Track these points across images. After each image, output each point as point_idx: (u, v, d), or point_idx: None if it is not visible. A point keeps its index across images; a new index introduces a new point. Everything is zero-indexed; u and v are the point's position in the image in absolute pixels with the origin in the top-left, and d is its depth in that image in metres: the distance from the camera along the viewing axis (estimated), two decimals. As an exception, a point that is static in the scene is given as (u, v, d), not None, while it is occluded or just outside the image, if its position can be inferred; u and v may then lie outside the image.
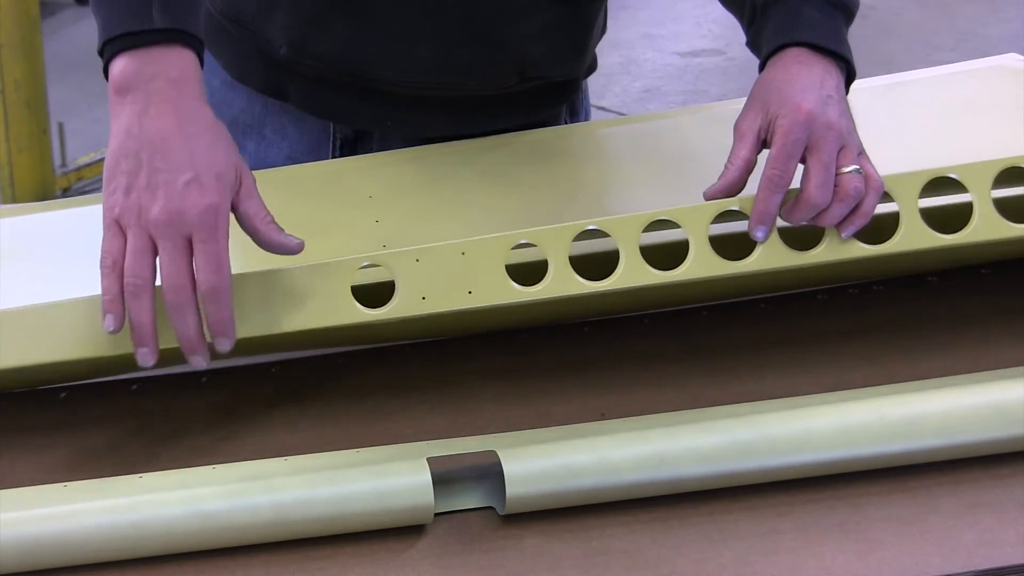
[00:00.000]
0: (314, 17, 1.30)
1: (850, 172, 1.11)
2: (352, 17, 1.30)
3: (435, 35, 1.30)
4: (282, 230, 1.05)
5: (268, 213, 1.05)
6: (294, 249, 1.05)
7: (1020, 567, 1.00)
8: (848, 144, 1.12)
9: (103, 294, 1.01)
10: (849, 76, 1.18)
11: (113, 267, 1.00)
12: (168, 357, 1.14)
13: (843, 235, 1.12)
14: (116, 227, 1.01)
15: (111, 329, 1.00)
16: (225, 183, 1.02)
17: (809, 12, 1.17)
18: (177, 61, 1.03)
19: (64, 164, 3.64)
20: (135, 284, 1.00)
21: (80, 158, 3.71)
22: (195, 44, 1.05)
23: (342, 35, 1.30)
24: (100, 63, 1.06)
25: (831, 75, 1.15)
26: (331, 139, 1.39)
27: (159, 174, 1.00)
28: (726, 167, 1.14)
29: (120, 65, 1.03)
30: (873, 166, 1.13)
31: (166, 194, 1.00)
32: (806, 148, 1.11)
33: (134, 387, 1.18)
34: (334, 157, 1.39)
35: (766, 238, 1.11)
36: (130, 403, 1.16)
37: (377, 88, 1.34)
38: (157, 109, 1.02)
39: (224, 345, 1.02)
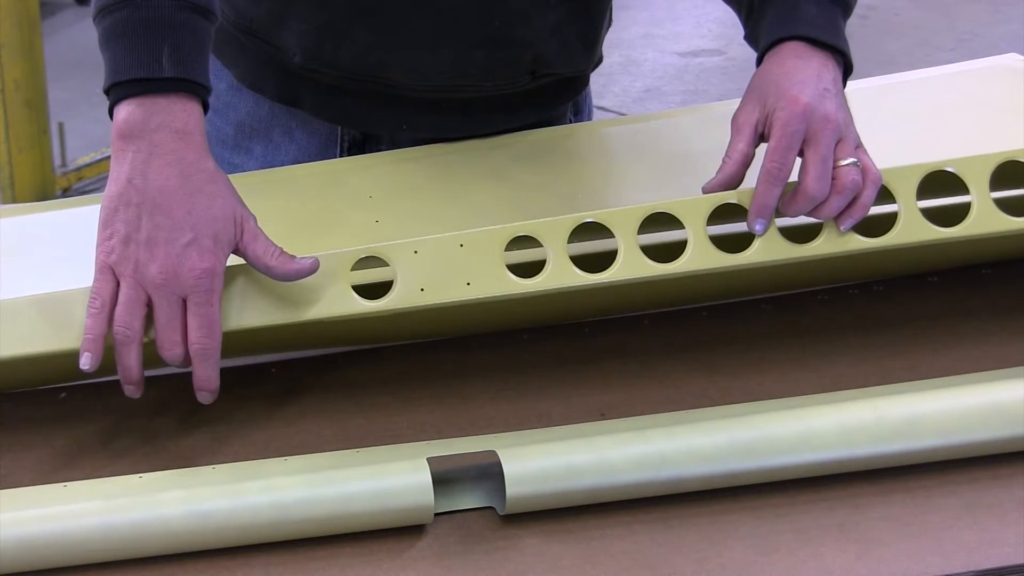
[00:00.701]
0: (329, 24, 1.29)
1: (848, 165, 1.11)
2: (368, 23, 1.29)
3: (451, 38, 1.30)
4: (293, 257, 1.06)
5: (276, 247, 1.06)
6: (311, 269, 1.06)
7: (1020, 567, 1.00)
8: (846, 137, 1.12)
9: (86, 332, 1.03)
10: (846, 70, 1.18)
11: (101, 309, 1.03)
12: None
13: (841, 228, 1.12)
14: (110, 273, 1.03)
15: (86, 368, 1.03)
16: (222, 242, 1.04)
17: (806, 6, 1.17)
18: (182, 112, 1.04)
19: (64, 164, 3.64)
20: (126, 334, 1.02)
21: (80, 158, 3.71)
22: (201, 92, 1.06)
23: (358, 41, 1.30)
24: (101, 63, 1.07)
25: (828, 68, 1.15)
26: (339, 141, 1.39)
27: (159, 231, 1.02)
28: (724, 161, 1.14)
29: (126, 111, 1.04)
30: (871, 159, 1.13)
31: (165, 253, 1.02)
32: (804, 141, 1.11)
33: (134, 387, 1.18)
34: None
35: (765, 231, 1.11)
36: (129, 403, 1.15)
37: (393, 93, 1.33)
38: (160, 161, 1.03)
39: (205, 399, 1.06)
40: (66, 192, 3.61)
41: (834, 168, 1.11)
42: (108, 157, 4.01)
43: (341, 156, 1.39)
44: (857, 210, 1.12)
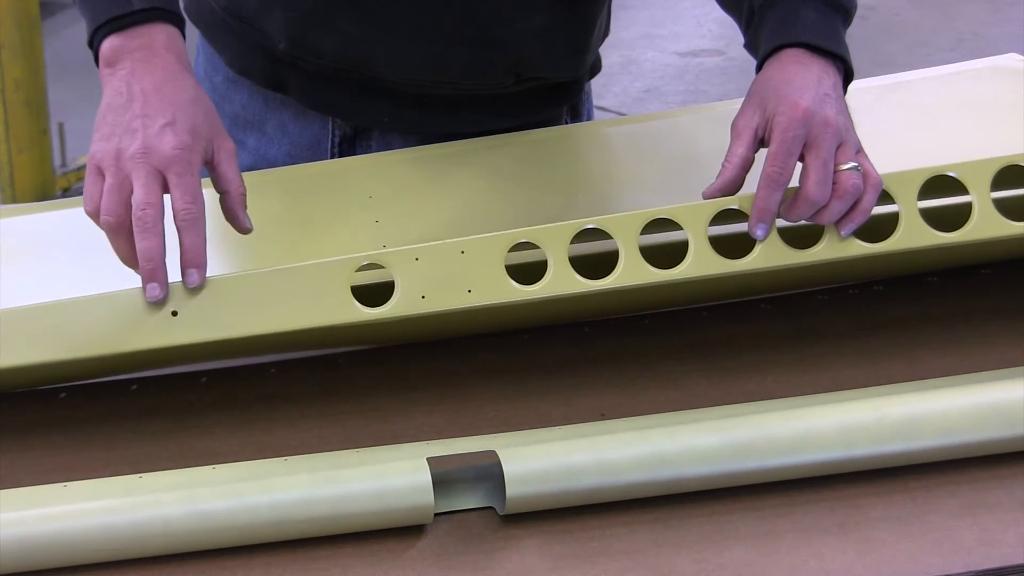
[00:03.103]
0: (312, 12, 1.31)
1: (848, 169, 1.11)
2: (349, 13, 1.30)
3: (432, 33, 1.30)
4: (245, 208, 1.10)
5: (243, 184, 1.10)
6: (244, 230, 1.10)
7: (1020, 567, 1.00)
8: (846, 141, 1.12)
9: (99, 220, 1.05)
10: (847, 76, 1.18)
11: (92, 212, 1.05)
12: (168, 357, 1.14)
13: (842, 233, 1.12)
14: (96, 172, 1.06)
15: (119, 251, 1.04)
16: (200, 135, 1.07)
17: (806, 13, 1.17)
18: (160, 34, 1.12)
19: (64, 164, 3.64)
20: (108, 223, 1.04)
21: (80, 158, 3.71)
22: (175, 20, 1.13)
23: (340, 31, 1.31)
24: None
25: (828, 74, 1.15)
26: (330, 135, 1.39)
27: (138, 119, 1.06)
28: (724, 166, 1.14)
29: (108, 43, 1.11)
30: (871, 164, 1.13)
31: (143, 135, 1.05)
32: (804, 145, 1.11)
33: (134, 387, 1.18)
34: (334, 154, 1.39)
35: (766, 236, 1.11)
36: (130, 403, 1.16)
37: (375, 84, 1.34)
38: (143, 70, 1.09)
39: (193, 278, 1.05)
40: (66, 192, 3.61)
41: (835, 172, 1.11)
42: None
43: (333, 150, 1.39)
44: (858, 215, 1.12)
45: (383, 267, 1.08)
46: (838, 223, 1.12)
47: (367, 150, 1.40)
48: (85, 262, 1.06)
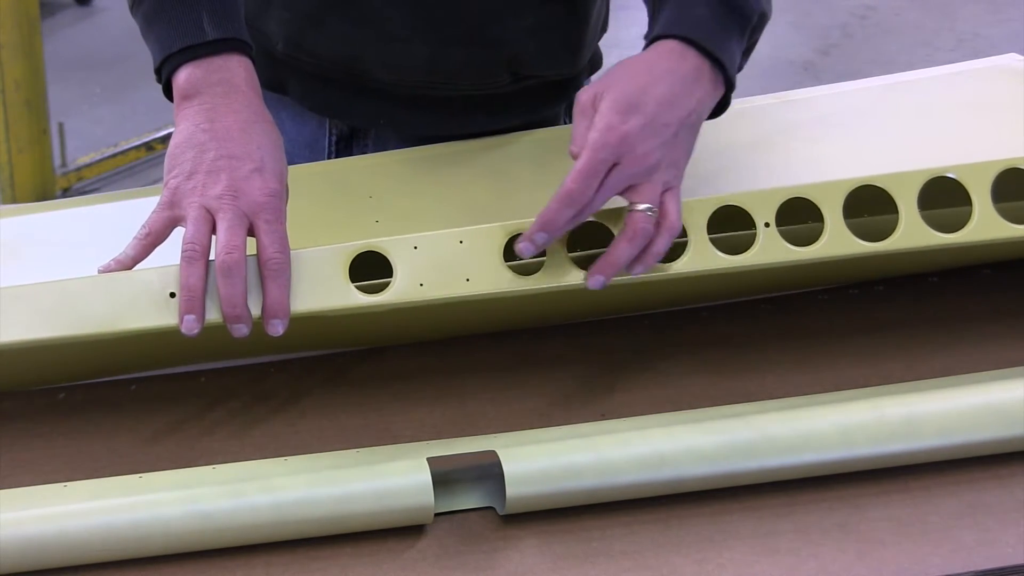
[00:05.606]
0: (309, 14, 1.31)
1: (642, 211, 1.06)
2: (345, 15, 1.31)
3: (427, 34, 1.30)
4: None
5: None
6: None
7: (1020, 567, 1.00)
8: (652, 181, 1.06)
9: (124, 257, 1.03)
10: (728, 85, 1.12)
11: (145, 238, 1.03)
12: (168, 357, 1.14)
13: (632, 274, 1.07)
14: (167, 208, 1.03)
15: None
16: (284, 181, 1.06)
17: (697, 10, 1.12)
18: (238, 68, 1.09)
19: (64, 164, 3.64)
20: (192, 250, 1.01)
21: (80, 158, 3.71)
22: (248, 50, 1.10)
23: (336, 32, 1.31)
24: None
25: (700, 82, 1.10)
26: (327, 135, 1.40)
27: (223, 160, 1.04)
28: (570, 150, 1.08)
29: (185, 73, 1.08)
30: (678, 204, 1.07)
31: (229, 176, 1.03)
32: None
33: (133, 387, 1.18)
34: (331, 153, 1.40)
35: (532, 254, 1.06)
36: (129, 403, 1.16)
37: (372, 85, 1.34)
38: (226, 108, 1.06)
39: (277, 328, 1.03)
40: (66, 192, 3.61)
41: (628, 213, 1.06)
42: (108, 157, 4.01)
43: (329, 150, 1.40)
44: (648, 258, 1.07)
45: (381, 264, 1.08)
46: (629, 266, 1.07)
47: (364, 150, 1.40)
48: (85, 262, 1.05)
